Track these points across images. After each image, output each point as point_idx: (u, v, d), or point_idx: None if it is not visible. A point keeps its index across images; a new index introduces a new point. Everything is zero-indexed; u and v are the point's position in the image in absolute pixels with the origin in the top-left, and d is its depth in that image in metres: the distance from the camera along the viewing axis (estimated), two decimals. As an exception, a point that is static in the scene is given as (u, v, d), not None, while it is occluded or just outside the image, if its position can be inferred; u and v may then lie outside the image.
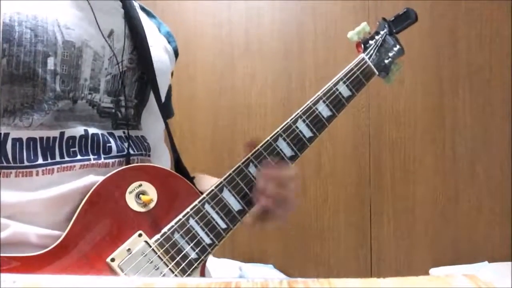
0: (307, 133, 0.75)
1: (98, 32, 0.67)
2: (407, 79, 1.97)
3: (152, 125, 0.76)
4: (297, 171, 0.74)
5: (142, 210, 0.63)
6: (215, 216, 0.67)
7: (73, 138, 0.63)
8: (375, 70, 0.83)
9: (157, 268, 0.61)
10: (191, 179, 0.75)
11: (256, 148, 0.71)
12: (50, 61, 0.62)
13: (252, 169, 0.70)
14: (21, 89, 0.60)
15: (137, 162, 0.69)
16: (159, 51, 0.78)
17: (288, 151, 0.73)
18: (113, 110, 0.68)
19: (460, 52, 2.01)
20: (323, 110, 0.76)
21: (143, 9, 0.82)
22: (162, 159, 0.76)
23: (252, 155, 0.71)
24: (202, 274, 0.68)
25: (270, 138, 0.73)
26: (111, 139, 0.66)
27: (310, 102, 0.76)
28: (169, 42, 0.83)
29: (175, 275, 0.62)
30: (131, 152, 0.68)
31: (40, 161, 0.60)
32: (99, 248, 0.59)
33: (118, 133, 0.68)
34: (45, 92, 0.61)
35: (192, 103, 1.99)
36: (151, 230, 0.62)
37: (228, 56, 2.06)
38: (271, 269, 1.94)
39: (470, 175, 2.00)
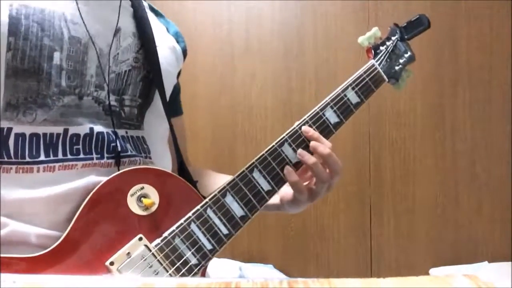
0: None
1: (104, 29, 0.67)
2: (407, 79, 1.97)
3: (155, 125, 0.75)
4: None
5: (143, 213, 0.61)
6: (217, 221, 0.65)
7: (77, 135, 0.62)
8: (385, 77, 0.81)
9: (157, 273, 0.60)
10: (194, 183, 0.74)
11: (261, 153, 0.70)
12: (56, 56, 0.61)
13: (256, 174, 0.69)
14: (25, 83, 0.59)
15: (139, 163, 0.68)
16: (165, 51, 0.77)
17: (293, 157, 0.71)
18: (118, 109, 0.67)
19: (460, 52, 2.01)
20: (331, 116, 0.75)
21: (151, 9, 0.82)
22: (164, 161, 0.75)
23: (256, 160, 0.70)
24: None
25: (276, 143, 0.71)
26: (115, 138, 0.66)
27: (318, 108, 0.74)
28: (178, 42, 0.82)
29: None
30: (132, 153, 0.67)
31: (42, 157, 0.59)
32: (99, 251, 0.58)
33: (121, 132, 0.67)
34: (49, 87, 0.61)
35: (192, 103, 1.99)
36: (151, 234, 0.61)
37: (228, 56, 2.06)
38: (271, 269, 1.94)
39: (470, 175, 2.00)
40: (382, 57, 0.82)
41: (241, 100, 2.05)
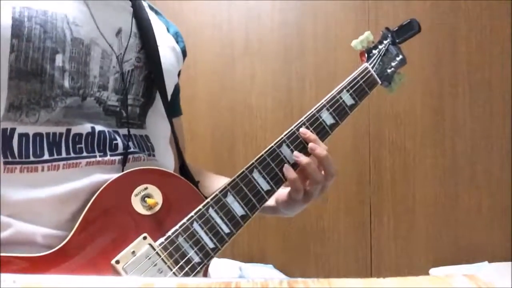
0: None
1: (106, 30, 0.68)
2: (406, 79, 1.97)
3: (157, 124, 0.75)
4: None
5: (147, 213, 0.63)
6: (218, 220, 0.67)
7: (79, 135, 0.63)
8: (378, 80, 0.84)
9: (161, 272, 0.61)
10: (196, 183, 0.75)
11: (260, 154, 0.72)
12: (58, 58, 0.62)
13: (256, 174, 0.71)
14: (29, 85, 0.60)
15: (143, 160, 0.69)
16: (166, 51, 0.78)
17: (291, 158, 0.73)
18: (118, 109, 0.68)
19: (460, 52, 2.01)
20: (327, 118, 0.77)
21: (151, 8, 0.83)
22: (166, 160, 0.76)
23: (256, 160, 0.71)
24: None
25: (274, 144, 0.73)
26: (117, 137, 0.66)
27: (314, 109, 0.77)
28: (177, 42, 0.83)
29: None
30: (135, 150, 0.68)
31: (46, 156, 0.60)
32: (104, 250, 0.59)
33: (123, 131, 0.68)
34: (52, 89, 0.61)
35: (192, 103, 1.99)
36: (155, 233, 0.63)
37: (228, 56, 2.06)
38: (271, 269, 1.94)
39: (470, 175, 2.00)
40: (375, 60, 0.85)
41: (241, 100, 2.05)
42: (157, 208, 0.64)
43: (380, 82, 0.84)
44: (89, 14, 0.66)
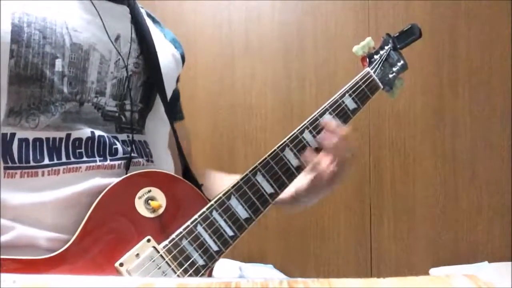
0: (314, 144, 0.76)
1: (105, 36, 0.68)
2: (407, 79, 1.97)
3: (156, 130, 0.76)
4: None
5: (151, 215, 0.63)
6: (222, 223, 0.67)
7: (79, 139, 0.63)
8: (380, 84, 0.85)
9: (165, 274, 0.61)
10: (199, 186, 0.75)
11: (264, 157, 0.72)
12: (58, 63, 0.62)
13: (259, 178, 0.71)
14: (28, 90, 0.60)
15: (142, 165, 0.69)
16: (165, 56, 0.78)
17: (295, 162, 0.74)
18: (117, 114, 0.69)
19: (460, 52, 2.00)
20: None
21: (149, 16, 0.83)
22: (166, 165, 0.76)
23: (259, 164, 0.72)
24: None
25: (277, 147, 0.73)
26: (116, 142, 0.67)
27: (317, 113, 0.77)
28: (176, 48, 0.84)
29: None
30: (134, 155, 0.68)
31: (46, 161, 0.60)
32: (108, 252, 0.59)
33: (122, 137, 0.68)
34: (52, 94, 0.61)
35: (192, 103, 1.99)
36: (159, 236, 0.63)
37: (228, 56, 2.06)
38: (271, 269, 1.94)
39: (470, 175, 2.00)
40: (377, 66, 0.86)
41: (241, 100, 2.05)
42: (161, 210, 0.64)
43: (382, 87, 0.85)
44: (88, 20, 0.67)
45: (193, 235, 0.64)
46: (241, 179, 0.70)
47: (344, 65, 1.93)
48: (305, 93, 2.01)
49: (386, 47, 0.88)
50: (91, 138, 0.64)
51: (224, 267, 1.84)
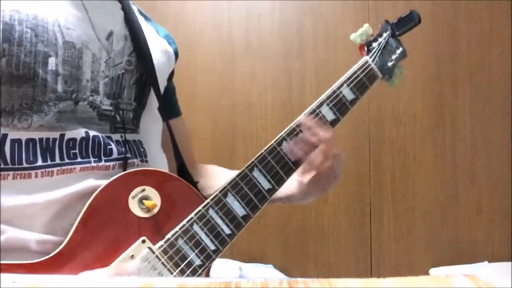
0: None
1: (97, 33, 0.67)
2: (407, 79, 1.97)
3: (150, 128, 0.75)
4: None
5: (146, 215, 0.61)
6: (219, 221, 0.65)
7: (73, 140, 0.62)
8: (379, 73, 0.82)
9: (161, 275, 0.60)
10: (195, 184, 0.74)
11: (260, 152, 0.70)
12: (51, 62, 0.61)
13: (256, 173, 0.69)
14: (21, 89, 0.59)
15: (136, 166, 0.67)
16: (157, 53, 0.77)
17: (292, 155, 0.72)
18: (112, 113, 0.67)
19: (460, 52, 2.01)
20: (327, 113, 0.76)
21: (141, 13, 0.82)
22: (160, 164, 0.75)
23: (256, 159, 0.70)
24: None
25: (274, 141, 0.71)
26: (111, 142, 0.65)
27: (314, 105, 0.75)
28: (169, 44, 0.82)
29: None
30: (128, 156, 0.67)
31: (40, 162, 0.59)
32: (102, 254, 0.58)
33: (116, 137, 0.67)
34: (45, 93, 0.60)
35: (192, 103, 1.99)
36: (154, 236, 0.61)
37: (228, 56, 2.06)
38: (271, 269, 1.94)
39: (470, 175, 2.00)
40: (375, 54, 0.83)
41: (241, 100, 2.05)
42: (156, 210, 0.62)
43: (381, 76, 0.82)
44: (80, 18, 0.65)
45: (189, 235, 0.63)
46: (237, 176, 0.68)
47: (344, 65, 1.91)
48: (305, 93, 2.01)
49: (385, 34, 0.85)
50: (86, 138, 0.63)
51: (224, 267, 1.84)
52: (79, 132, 0.62)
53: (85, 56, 0.65)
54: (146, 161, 0.71)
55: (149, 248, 0.60)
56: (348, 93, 0.77)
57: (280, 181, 0.71)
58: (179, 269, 0.61)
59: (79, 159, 0.62)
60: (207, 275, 0.68)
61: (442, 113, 2.01)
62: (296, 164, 0.72)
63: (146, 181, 0.63)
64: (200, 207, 0.65)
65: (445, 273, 0.86)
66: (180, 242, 0.62)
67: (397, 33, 0.85)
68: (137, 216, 0.61)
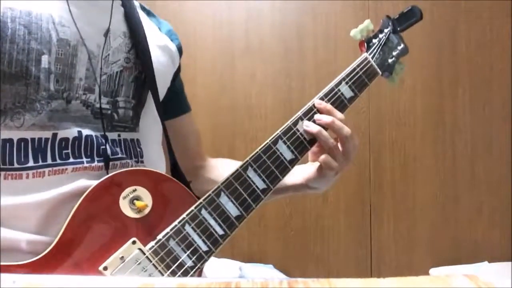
0: (308, 135, 0.72)
1: (93, 30, 0.66)
2: (407, 79, 1.97)
3: (149, 127, 0.73)
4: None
5: (137, 216, 0.60)
6: (212, 222, 0.64)
7: (66, 139, 0.61)
8: (378, 70, 0.80)
9: (152, 277, 0.59)
10: (188, 184, 0.72)
11: (255, 151, 0.69)
12: (44, 60, 0.60)
13: (251, 173, 0.67)
14: (13, 88, 0.58)
15: (130, 166, 0.66)
16: (157, 50, 0.76)
17: (288, 154, 0.70)
18: (109, 112, 0.66)
19: (460, 52, 2.01)
20: None
21: (143, 8, 0.81)
22: (157, 164, 0.74)
23: (250, 158, 0.68)
24: None
25: (270, 140, 0.70)
26: (105, 141, 0.64)
27: (311, 103, 0.74)
28: (171, 40, 0.81)
29: None
30: (122, 156, 0.66)
31: (31, 163, 0.58)
32: (91, 256, 0.57)
33: (112, 135, 0.66)
34: (38, 91, 0.59)
35: (192, 103, 1.98)
36: (145, 237, 0.60)
37: (228, 56, 2.06)
38: (271, 269, 1.94)
39: (470, 175, 2.00)
40: (375, 50, 0.81)
41: (241, 100, 2.05)
42: (147, 210, 0.61)
43: (380, 73, 0.81)
44: (75, 15, 0.64)
45: (181, 236, 0.61)
46: (231, 175, 0.67)
47: (344, 65, 1.92)
48: (305, 93, 2.01)
49: (386, 30, 0.83)
50: (78, 138, 0.62)
51: (224, 267, 1.84)
52: (71, 132, 0.61)
53: (80, 53, 0.63)
54: (142, 162, 0.70)
55: (140, 249, 0.59)
56: (346, 91, 0.76)
57: (275, 181, 0.69)
58: (170, 270, 0.60)
59: (71, 159, 0.61)
60: (199, 276, 0.66)
61: (442, 113, 2.01)
62: (292, 163, 0.71)
63: (138, 181, 0.61)
64: (192, 208, 0.64)
65: (445, 273, 0.86)
66: (172, 243, 0.61)
67: (398, 28, 0.83)
68: (128, 217, 0.59)
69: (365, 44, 0.82)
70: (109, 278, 0.54)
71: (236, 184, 0.66)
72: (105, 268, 0.56)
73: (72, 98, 0.62)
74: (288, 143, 0.71)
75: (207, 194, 0.65)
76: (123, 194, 0.60)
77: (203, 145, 0.98)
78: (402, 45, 0.84)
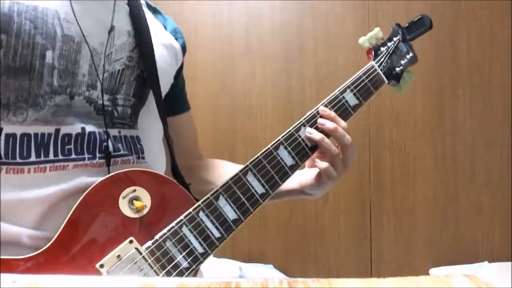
0: (310, 142, 0.73)
1: (97, 28, 0.66)
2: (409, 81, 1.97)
3: (149, 125, 0.74)
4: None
5: (135, 216, 0.61)
6: (209, 225, 0.64)
7: (69, 135, 0.61)
8: (384, 79, 0.80)
9: (147, 276, 0.59)
10: (187, 185, 0.73)
11: (256, 156, 0.69)
12: (48, 55, 0.60)
13: (250, 177, 0.68)
14: (17, 82, 0.58)
15: (132, 163, 0.67)
16: (161, 49, 0.76)
17: (289, 160, 0.71)
18: (110, 108, 0.66)
19: (460, 52, 2.01)
20: None
21: (149, 6, 0.81)
22: (158, 161, 0.74)
23: (251, 163, 0.69)
24: None
25: (271, 146, 0.70)
26: (108, 138, 0.65)
27: (315, 110, 0.74)
28: (176, 39, 0.81)
29: None
30: (124, 152, 0.67)
31: (33, 158, 0.58)
32: (89, 253, 0.58)
33: (113, 132, 0.67)
34: (41, 86, 0.60)
35: (192, 103, 1.98)
36: (143, 237, 0.60)
37: (228, 56, 2.06)
38: (271, 269, 1.94)
39: (470, 175, 2.00)
40: (383, 59, 0.81)
41: (241, 100, 2.05)
42: (145, 211, 0.61)
43: (387, 82, 0.81)
44: (81, 11, 0.64)
45: (177, 237, 0.62)
46: (230, 179, 0.67)
47: (344, 65, 1.93)
48: (305, 93, 2.02)
49: (395, 39, 0.83)
50: (81, 134, 0.62)
51: (224, 267, 1.84)
52: (75, 128, 0.62)
53: (84, 50, 0.64)
54: (143, 158, 0.71)
55: (136, 248, 0.59)
56: (351, 99, 0.76)
57: (274, 186, 0.70)
58: (165, 270, 0.61)
59: (73, 156, 0.61)
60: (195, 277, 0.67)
61: (442, 113, 2.01)
62: (292, 169, 0.71)
63: (138, 182, 0.62)
64: (190, 210, 0.64)
65: (445, 273, 0.86)
66: (168, 243, 0.62)
67: (408, 37, 0.83)
68: (126, 216, 0.60)
69: (373, 52, 0.82)
70: (110, 278, 0.54)
71: (235, 188, 0.67)
72: (102, 266, 0.57)
73: (75, 94, 0.63)
74: (289, 148, 0.71)
75: (205, 197, 0.66)
76: (123, 193, 0.61)
77: (200, 145, 0.98)
78: (411, 54, 0.83)
